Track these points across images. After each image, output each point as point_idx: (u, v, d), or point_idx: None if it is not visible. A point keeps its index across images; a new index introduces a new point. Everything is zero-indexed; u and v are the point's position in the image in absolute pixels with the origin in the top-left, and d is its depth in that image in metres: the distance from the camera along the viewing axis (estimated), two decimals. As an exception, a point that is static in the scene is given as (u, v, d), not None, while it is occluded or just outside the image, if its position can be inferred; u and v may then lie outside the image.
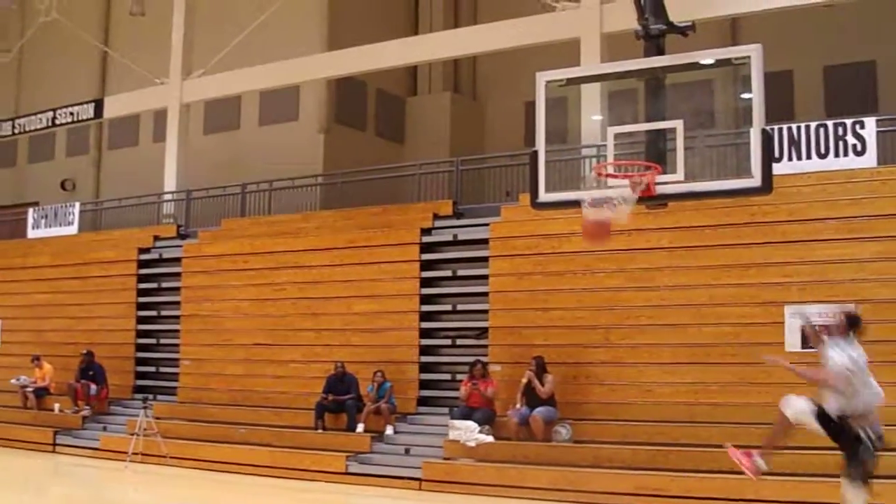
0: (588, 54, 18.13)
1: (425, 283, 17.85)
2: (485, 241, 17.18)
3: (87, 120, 26.74)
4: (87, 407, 20.29)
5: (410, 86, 28.84)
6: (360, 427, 16.79)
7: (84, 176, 30.35)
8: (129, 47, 27.86)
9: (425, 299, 17.77)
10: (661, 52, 9.57)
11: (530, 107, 10.17)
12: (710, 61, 9.11)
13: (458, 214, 18.59)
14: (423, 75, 28.44)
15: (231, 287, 19.86)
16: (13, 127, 28.01)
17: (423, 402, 17.31)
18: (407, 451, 16.02)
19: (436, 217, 18.54)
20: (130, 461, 17.37)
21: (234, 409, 18.70)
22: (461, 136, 26.85)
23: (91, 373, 20.38)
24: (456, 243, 17.85)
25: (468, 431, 15.26)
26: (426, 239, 18.08)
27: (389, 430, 16.59)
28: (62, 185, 30.49)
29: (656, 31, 9.58)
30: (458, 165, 19.47)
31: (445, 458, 15.32)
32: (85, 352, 20.53)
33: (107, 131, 30.03)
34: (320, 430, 17.11)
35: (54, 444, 19.73)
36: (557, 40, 19.14)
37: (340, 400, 17.18)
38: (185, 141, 24.64)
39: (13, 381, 21.74)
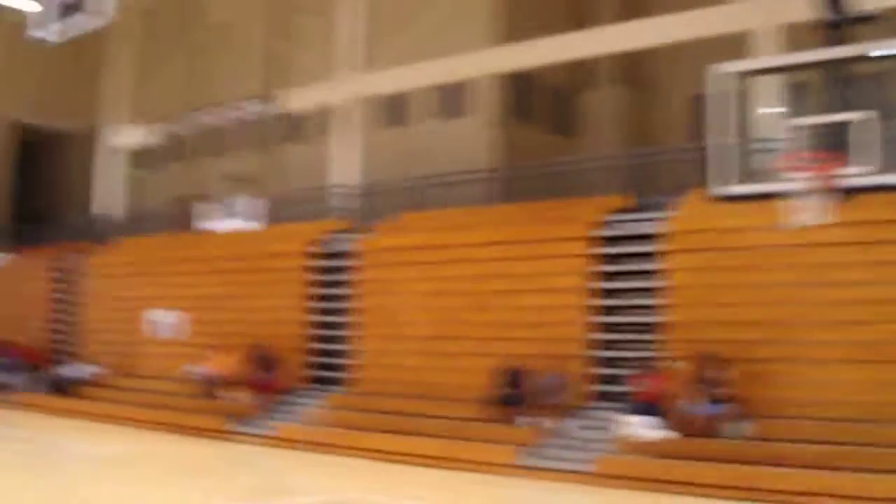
0: (763, 46, 18.50)
1: (600, 277, 18.68)
2: (660, 235, 17.90)
3: (261, 116, 28.35)
4: (262, 396, 21.63)
5: (580, 79, 29.54)
6: (532, 420, 17.66)
7: (256, 170, 32.16)
8: (303, 44, 29.36)
9: (599, 294, 18.60)
10: (842, 42, 9.94)
11: (699, 99, 10.66)
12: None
13: (632, 208, 19.34)
14: (592, 68, 29.07)
15: (405, 280, 21.17)
16: (188, 124, 29.94)
17: (597, 396, 18.11)
18: (579, 446, 16.81)
19: (610, 211, 19.37)
20: (304, 450, 18.68)
21: (407, 401, 19.98)
22: (631, 129, 27.39)
23: (266, 363, 21.79)
24: (631, 237, 18.61)
25: (642, 426, 15.98)
26: (600, 233, 18.94)
27: (561, 424, 17.48)
28: (234, 180, 32.36)
29: (838, 21, 9.94)
30: (633, 159, 19.98)
31: (618, 453, 16.05)
32: (258, 342, 21.98)
33: (279, 126, 31.73)
34: (489, 423, 18.06)
35: (229, 432, 21.36)
36: (728, 33, 19.48)
37: (509, 393, 17.98)
38: (359, 136, 25.95)
39: (190, 369, 23.38)
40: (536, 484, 15.94)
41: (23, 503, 13.15)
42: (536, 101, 28.74)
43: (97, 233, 32.84)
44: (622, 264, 18.58)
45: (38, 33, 22.00)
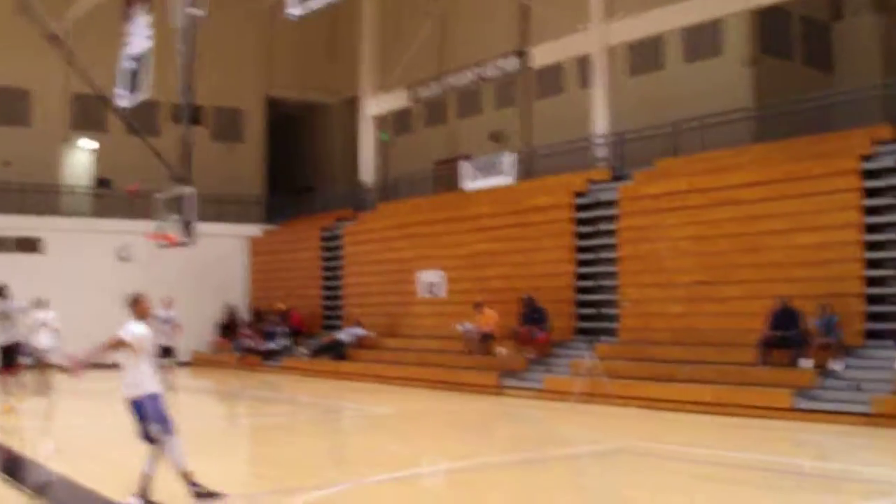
0: None
1: (868, 211, 18.81)
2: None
3: (513, 72, 29.41)
4: (532, 350, 22.78)
5: (834, 9, 29.00)
6: (806, 362, 17.99)
7: (513, 126, 33.34)
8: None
9: (869, 229, 18.73)
10: None
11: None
12: None
13: (897, 139, 19.20)
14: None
15: (668, 226, 21.81)
16: (441, 86, 31.33)
17: (869, 335, 18.26)
18: (858, 387, 17.03)
19: (875, 143, 19.38)
20: (575, 401, 19.67)
21: (675, 348, 20.65)
22: (889, 58, 26.65)
23: (534, 316, 22.91)
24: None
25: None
26: (866, 166, 18.99)
27: (837, 365, 17.75)
28: (492, 137, 33.63)
29: None
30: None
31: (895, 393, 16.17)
32: (526, 296, 23.13)
33: (532, 81, 32.72)
34: (765, 367, 18.51)
35: (500, 387, 22.66)
36: None
37: (785, 335, 18.39)
38: (611, 84, 26.64)
39: (458, 327, 24.89)
40: (812, 427, 16.22)
41: (321, 462, 14.72)
42: (791, 36, 28.49)
43: (359, 199, 34.95)
44: (893, 197, 18.57)
45: (288, 10, 23.70)
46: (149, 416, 9.54)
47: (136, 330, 9.61)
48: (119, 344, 9.55)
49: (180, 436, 9.81)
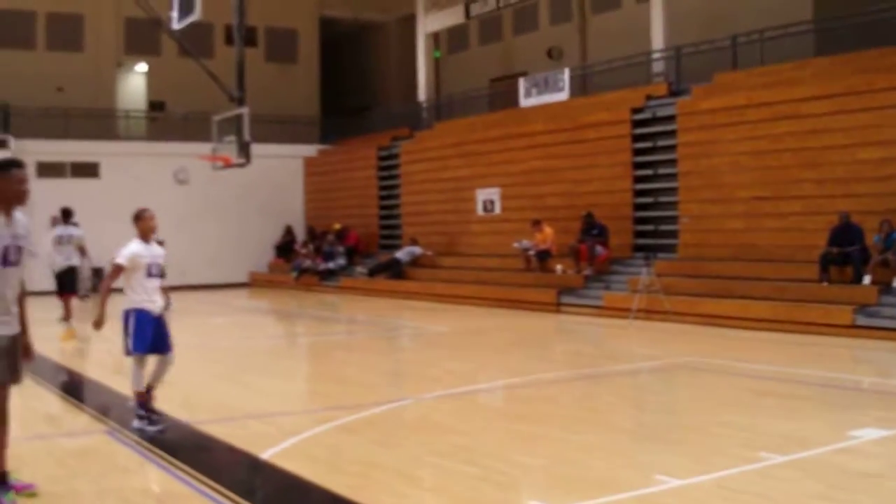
0: None
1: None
2: None
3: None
4: (590, 267, 22.87)
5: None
6: (868, 279, 18.01)
7: (570, 42, 33.19)
8: None
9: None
10: None
11: None
12: None
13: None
14: None
15: (728, 141, 21.63)
16: (497, 1, 31.11)
17: (938, 251, 17.97)
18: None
19: (942, 55, 18.92)
20: (634, 318, 19.80)
21: (734, 264, 20.67)
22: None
23: (594, 233, 22.97)
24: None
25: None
26: (932, 79, 18.57)
27: (899, 282, 17.51)
28: (548, 54, 33.49)
29: None
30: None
31: (959, 307, 16.11)
32: (586, 213, 23.17)
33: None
34: (825, 283, 18.50)
35: (558, 304, 22.84)
36: None
37: (846, 251, 18.33)
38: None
39: (516, 244, 25.10)
40: (873, 344, 16.23)
41: (380, 379, 15.02)
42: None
43: (415, 118, 35.00)
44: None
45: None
46: (126, 331, 9.70)
47: (127, 250, 9.68)
48: (117, 271, 9.69)
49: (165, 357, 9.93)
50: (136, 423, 9.76)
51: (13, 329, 6.85)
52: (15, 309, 6.84)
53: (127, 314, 9.70)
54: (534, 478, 7.92)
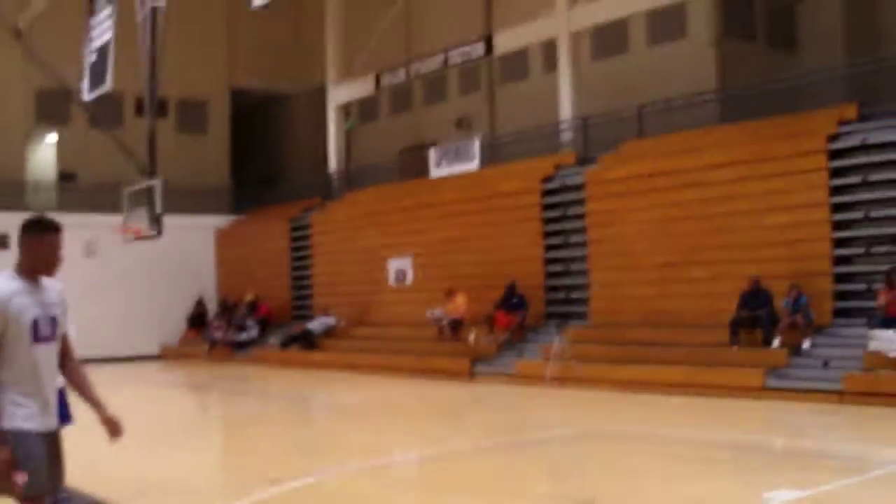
0: None
1: (835, 191, 18.97)
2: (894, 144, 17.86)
3: (479, 58, 29.41)
4: (502, 334, 22.81)
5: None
6: (777, 341, 18.21)
7: (479, 112, 33.42)
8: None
9: (836, 208, 18.88)
10: None
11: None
12: None
13: (864, 118, 19.38)
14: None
15: (636, 209, 21.92)
16: (407, 73, 31.26)
17: (838, 313, 18.43)
18: (826, 364, 17.25)
19: (841, 123, 19.54)
20: (546, 385, 19.76)
21: (646, 330, 20.79)
22: (854, 38, 26.74)
23: (514, 300, 22.95)
24: (864, 148, 18.76)
25: (889, 342, 16.17)
26: (833, 146, 19.16)
27: (807, 344, 17.95)
28: (457, 124, 33.66)
29: None
30: (859, 68, 19.93)
31: (866, 370, 16.46)
32: (509, 283, 23.32)
33: (497, 66, 32.76)
34: (736, 347, 18.67)
35: (472, 373, 22.76)
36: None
37: (756, 315, 18.54)
38: (576, 68, 26.74)
39: (428, 314, 24.96)
40: (785, 405, 16.32)
41: (292, 452, 14.76)
42: (755, 16, 28.58)
43: (326, 188, 34.90)
44: (859, 176, 18.69)
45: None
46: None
47: None
48: None
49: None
50: None
51: (50, 423, 5.49)
52: (53, 398, 5.54)
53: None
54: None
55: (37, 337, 5.38)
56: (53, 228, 5.74)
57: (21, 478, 5.11)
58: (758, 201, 19.78)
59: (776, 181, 19.53)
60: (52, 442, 5.46)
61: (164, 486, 10.72)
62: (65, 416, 9.52)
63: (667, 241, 21.21)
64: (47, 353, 5.45)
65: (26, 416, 5.26)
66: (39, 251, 5.64)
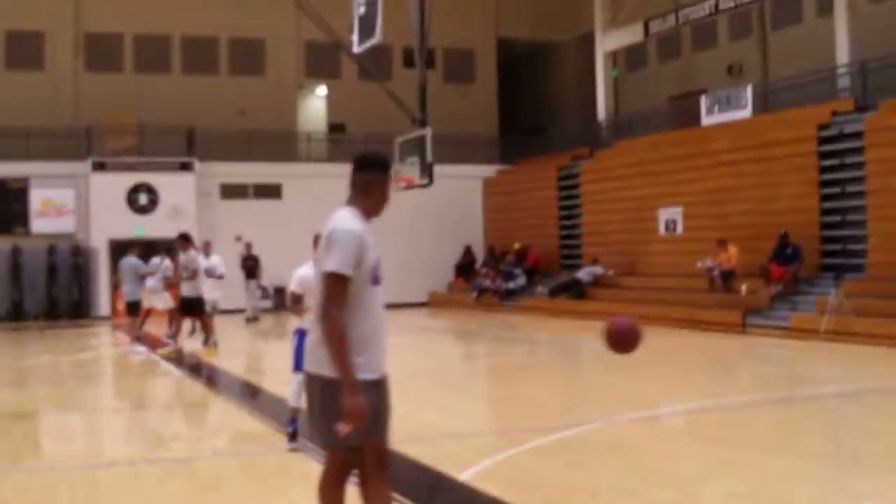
0: None
1: None
2: None
3: (749, 3, 28.75)
4: (776, 287, 22.40)
5: None
6: None
7: (750, 58, 32.67)
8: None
9: None
10: None
11: None
12: None
13: None
14: None
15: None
16: (676, 19, 30.86)
17: None
18: None
19: None
20: (821, 340, 19.32)
21: (928, 284, 19.75)
22: None
23: (789, 252, 22.53)
24: None
25: None
26: None
27: None
28: (729, 70, 33.02)
29: None
30: None
31: None
32: (782, 233, 22.79)
33: (769, 11, 31.88)
34: None
35: (743, 325, 22.44)
36: None
37: None
38: (852, 11, 25.73)
39: (700, 264, 24.67)
40: None
41: (567, 401, 15.09)
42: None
43: (593, 137, 34.96)
44: None
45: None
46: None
47: (298, 274, 10.03)
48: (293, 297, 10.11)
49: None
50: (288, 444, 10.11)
51: (385, 369, 5.46)
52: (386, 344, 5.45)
53: (296, 332, 10.06)
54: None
55: (376, 279, 5.39)
56: (390, 168, 5.68)
57: (343, 428, 5.18)
58: None
59: None
60: (385, 387, 5.45)
61: (439, 431, 11.23)
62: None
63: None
64: (382, 298, 5.45)
65: (363, 365, 5.24)
66: (381, 192, 5.57)
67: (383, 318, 5.40)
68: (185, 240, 19.26)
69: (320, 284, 5.23)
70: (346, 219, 5.33)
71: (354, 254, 5.18)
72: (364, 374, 5.19)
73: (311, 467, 9.36)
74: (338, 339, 5.11)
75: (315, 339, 5.32)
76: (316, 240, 10.06)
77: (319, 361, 5.26)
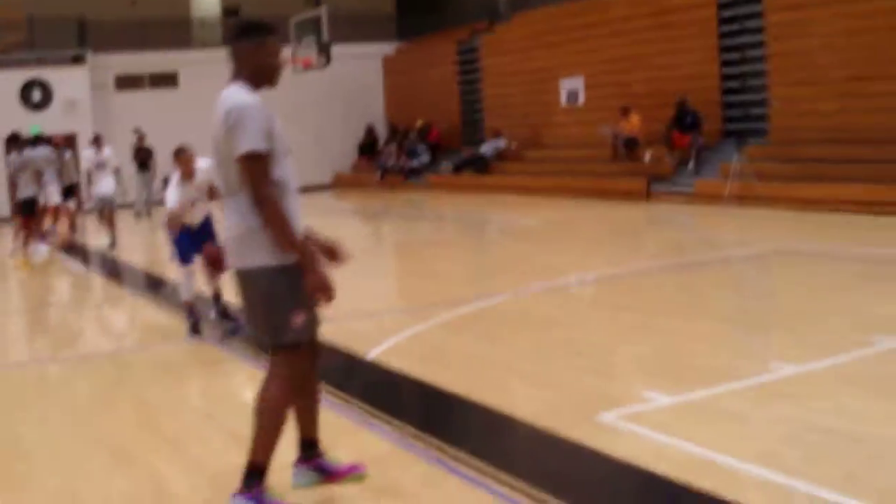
0: None
1: None
2: None
3: None
4: (680, 153, 22.53)
5: None
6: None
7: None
8: None
9: None
10: None
11: None
12: None
13: None
14: None
15: (819, 21, 20.88)
16: None
17: None
18: None
19: None
20: (725, 204, 19.51)
21: (828, 147, 20.04)
22: None
23: (688, 119, 22.52)
24: None
25: None
26: None
27: None
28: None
29: None
30: None
31: None
32: (679, 99, 22.74)
33: None
34: (923, 163, 17.83)
35: (648, 193, 22.56)
36: None
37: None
38: None
39: (603, 129, 24.50)
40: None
41: (474, 274, 15.02)
42: None
43: (493, 10, 34.49)
44: None
45: None
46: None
47: (170, 197, 9.91)
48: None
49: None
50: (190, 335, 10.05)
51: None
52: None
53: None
54: (644, 368, 7.85)
55: (285, 150, 4.93)
56: (272, 30, 5.13)
57: (299, 318, 4.82)
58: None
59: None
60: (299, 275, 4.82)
61: (346, 311, 11.08)
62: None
63: (852, 54, 20.22)
64: (292, 169, 4.96)
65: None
66: (265, 58, 5.03)
67: (297, 193, 4.95)
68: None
69: (241, 170, 4.67)
70: (239, 94, 4.83)
71: (263, 127, 4.71)
72: (291, 259, 4.73)
73: (216, 355, 9.26)
74: (281, 219, 4.65)
75: (239, 230, 4.77)
76: (177, 154, 9.86)
77: (251, 252, 4.76)
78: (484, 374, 7.85)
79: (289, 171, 4.88)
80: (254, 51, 4.98)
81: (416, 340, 9.27)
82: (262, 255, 4.73)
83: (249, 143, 4.66)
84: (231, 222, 4.84)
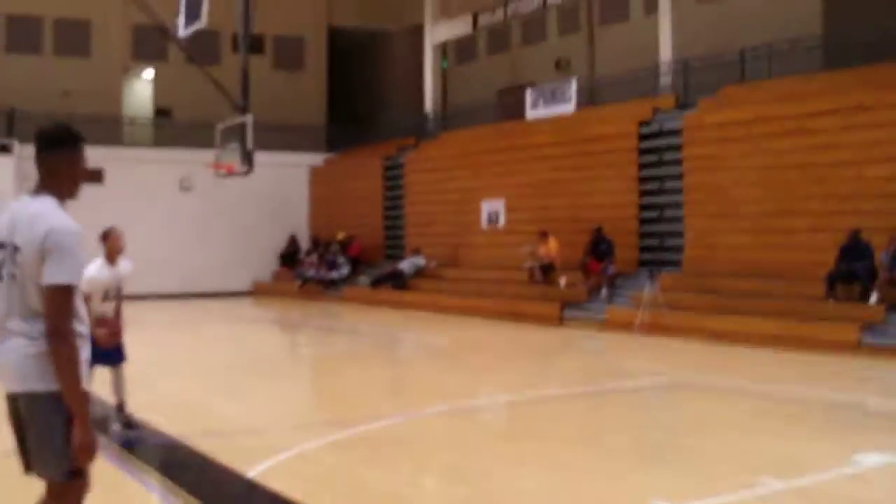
0: None
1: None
2: None
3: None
4: (594, 280, 22.63)
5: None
6: (875, 297, 17.64)
7: (577, 54, 33.00)
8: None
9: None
10: None
11: None
12: None
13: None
14: None
15: (734, 156, 21.48)
16: (505, 12, 30.93)
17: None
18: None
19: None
20: (637, 333, 19.53)
21: (740, 280, 20.32)
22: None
23: (603, 247, 22.68)
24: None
25: None
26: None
27: (906, 299, 17.22)
28: (556, 65, 33.31)
29: None
30: None
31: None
32: (596, 227, 22.95)
33: (597, 7, 32.28)
34: (832, 301, 18.10)
35: (561, 318, 22.60)
36: None
37: (854, 268, 18.00)
38: (678, 10, 26.19)
39: (526, 248, 24.57)
40: (879, 364, 15.79)
41: (379, 393, 14.82)
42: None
43: (421, 128, 34.82)
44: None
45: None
46: None
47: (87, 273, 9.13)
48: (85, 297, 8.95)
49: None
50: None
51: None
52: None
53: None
54: (524, 500, 7.65)
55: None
56: (80, 141, 4.73)
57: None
58: (861, 151, 19.19)
59: (880, 131, 18.93)
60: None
61: (238, 426, 10.83)
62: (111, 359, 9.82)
63: (765, 190, 20.70)
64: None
65: None
66: (74, 172, 4.68)
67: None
68: None
69: (46, 298, 4.32)
70: (58, 214, 4.46)
71: (83, 261, 4.44)
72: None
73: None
74: (75, 362, 4.33)
75: (32, 352, 4.38)
76: (105, 236, 9.62)
77: (38, 375, 4.38)
78: (363, 500, 7.61)
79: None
80: (73, 161, 4.64)
81: (303, 460, 9.00)
82: (43, 379, 4.38)
83: (67, 275, 4.35)
84: (18, 343, 4.42)
